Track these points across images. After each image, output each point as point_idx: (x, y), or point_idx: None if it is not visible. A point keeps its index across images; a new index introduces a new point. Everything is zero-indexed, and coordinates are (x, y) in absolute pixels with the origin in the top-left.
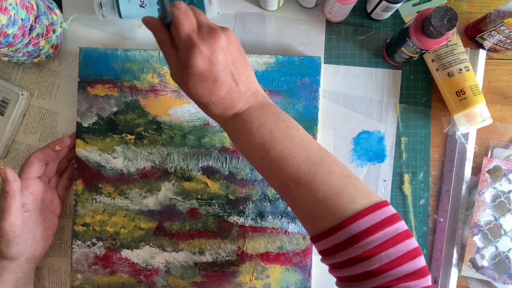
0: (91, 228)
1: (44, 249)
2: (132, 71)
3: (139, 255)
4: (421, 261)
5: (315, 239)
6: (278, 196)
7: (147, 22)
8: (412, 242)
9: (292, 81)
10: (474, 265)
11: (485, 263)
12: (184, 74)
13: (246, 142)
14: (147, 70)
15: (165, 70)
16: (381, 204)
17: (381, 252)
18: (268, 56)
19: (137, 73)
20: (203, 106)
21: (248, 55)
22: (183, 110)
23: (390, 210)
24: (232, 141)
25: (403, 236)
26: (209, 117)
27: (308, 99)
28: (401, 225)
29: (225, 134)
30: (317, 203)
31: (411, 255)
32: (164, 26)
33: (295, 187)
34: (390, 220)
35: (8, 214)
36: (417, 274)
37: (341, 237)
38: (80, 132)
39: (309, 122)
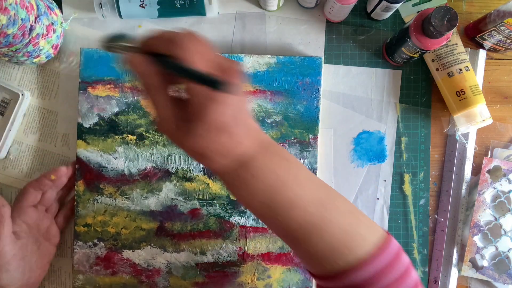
0: (92, 228)
1: (39, 278)
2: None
3: (140, 256)
4: None
5: (319, 278)
6: None
7: (133, 63)
8: (415, 273)
9: (293, 81)
10: (474, 265)
11: (485, 263)
12: (189, 127)
13: (249, 188)
14: None
15: None
16: (387, 240)
17: None
18: (269, 56)
19: None
20: (203, 158)
21: (249, 55)
22: None
23: (395, 244)
24: (232, 190)
25: (409, 270)
26: None
27: (309, 99)
28: (406, 258)
29: None
30: (327, 246)
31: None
32: (156, 64)
33: (303, 231)
34: (398, 256)
35: None
36: None
37: (349, 281)
38: (81, 133)
39: (310, 122)
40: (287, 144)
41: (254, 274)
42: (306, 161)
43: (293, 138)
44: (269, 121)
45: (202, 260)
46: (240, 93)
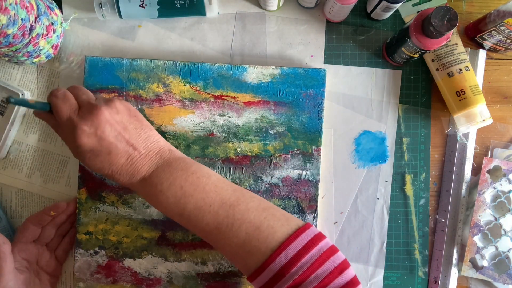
0: (94, 236)
1: None
2: (137, 80)
3: (141, 265)
4: (349, 273)
5: (250, 278)
6: (281, 207)
7: (37, 114)
8: (338, 257)
9: (297, 93)
10: (474, 265)
11: (485, 263)
12: (78, 153)
13: (161, 203)
14: (153, 79)
15: (170, 80)
16: (302, 229)
17: (310, 275)
18: (273, 67)
19: (142, 83)
20: (109, 177)
21: (253, 66)
22: (187, 120)
23: (312, 231)
24: (148, 202)
25: (327, 254)
26: (213, 128)
27: (313, 111)
28: (325, 243)
29: (229, 145)
30: (242, 242)
31: (339, 269)
32: (50, 113)
33: (217, 233)
34: (313, 242)
35: (0, 276)
36: (347, 286)
37: (271, 272)
38: None
39: (313, 134)
40: (289, 155)
41: None
42: (308, 172)
43: (296, 149)
44: (272, 132)
45: (203, 270)
46: (111, 118)
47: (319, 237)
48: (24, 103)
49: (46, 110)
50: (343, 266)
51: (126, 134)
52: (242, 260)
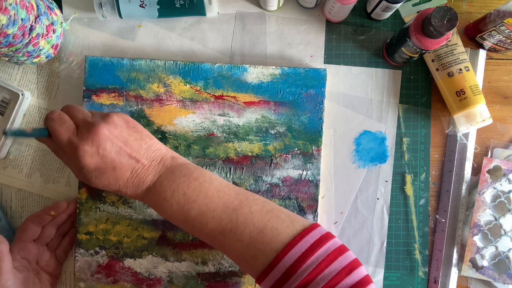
0: (94, 236)
1: None
2: (137, 80)
3: (142, 265)
4: (359, 273)
5: (258, 281)
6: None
7: (38, 139)
8: (347, 257)
9: (297, 93)
10: (474, 265)
11: (485, 263)
12: (83, 174)
13: (166, 210)
14: (153, 79)
15: (171, 80)
16: (308, 229)
17: (317, 276)
18: (273, 67)
19: (143, 83)
20: (116, 191)
21: (254, 66)
22: (188, 120)
23: (319, 231)
24: (154, 210)
25: (335, 254)
26: (213, 128)
27: (313, 111)
28: (333, 243)
29: (230, 145)
30: (246, 246)
31: (347, 270)
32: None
33: (222, 237)
34: (320, 242)
35: None
36: (357, 286)
37: (277, 273)
38: None
39: (314, 134)
40: (290, 155)
41: (255, 285)
42: (309, 172)
43: (296, 149)
44: (272, 132)
45: (203, 270)
46: (110, 134)
47: (327, 237)
48: (21, 133)
49: (45, 136)
50: (352, 266)
51: (128, 148)
52: (248, 264)
